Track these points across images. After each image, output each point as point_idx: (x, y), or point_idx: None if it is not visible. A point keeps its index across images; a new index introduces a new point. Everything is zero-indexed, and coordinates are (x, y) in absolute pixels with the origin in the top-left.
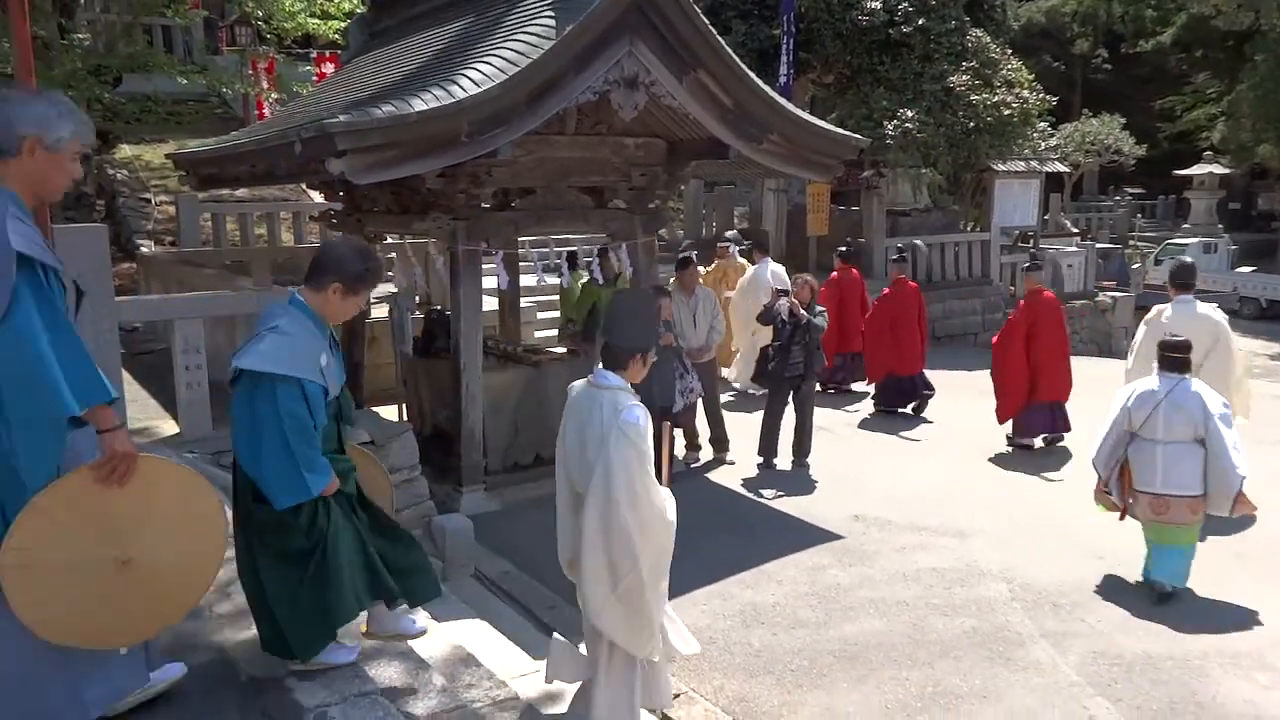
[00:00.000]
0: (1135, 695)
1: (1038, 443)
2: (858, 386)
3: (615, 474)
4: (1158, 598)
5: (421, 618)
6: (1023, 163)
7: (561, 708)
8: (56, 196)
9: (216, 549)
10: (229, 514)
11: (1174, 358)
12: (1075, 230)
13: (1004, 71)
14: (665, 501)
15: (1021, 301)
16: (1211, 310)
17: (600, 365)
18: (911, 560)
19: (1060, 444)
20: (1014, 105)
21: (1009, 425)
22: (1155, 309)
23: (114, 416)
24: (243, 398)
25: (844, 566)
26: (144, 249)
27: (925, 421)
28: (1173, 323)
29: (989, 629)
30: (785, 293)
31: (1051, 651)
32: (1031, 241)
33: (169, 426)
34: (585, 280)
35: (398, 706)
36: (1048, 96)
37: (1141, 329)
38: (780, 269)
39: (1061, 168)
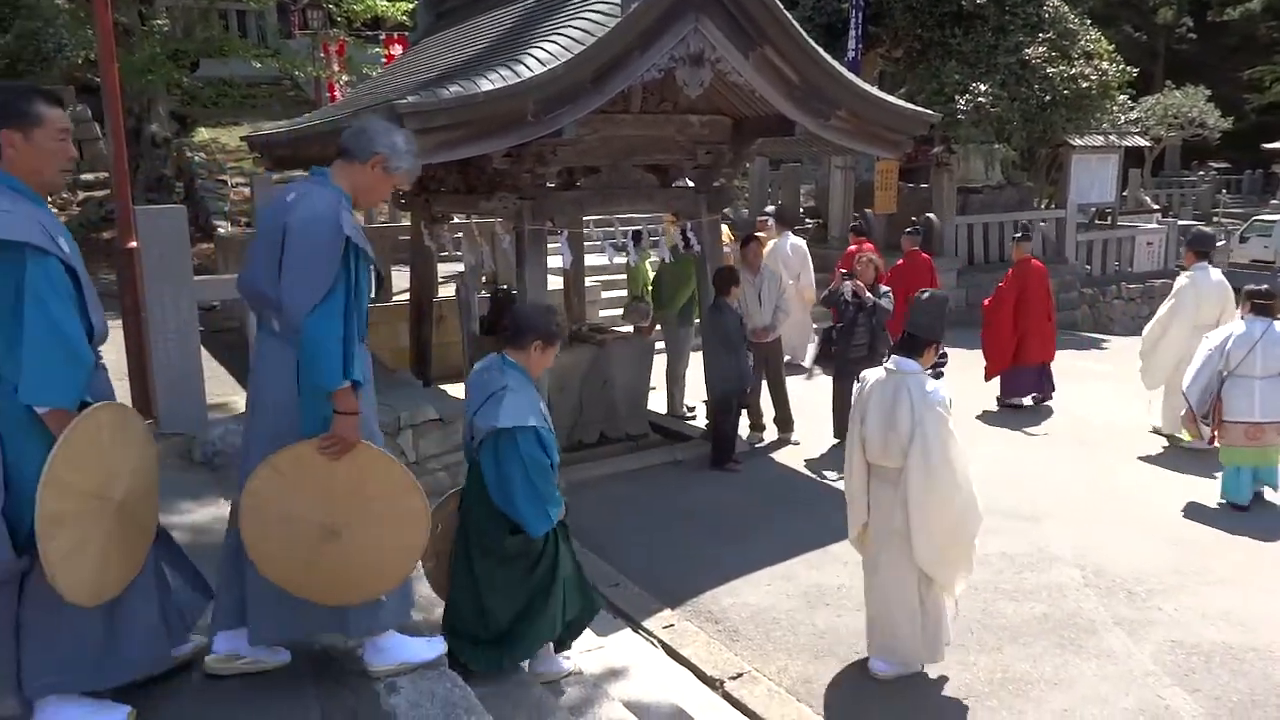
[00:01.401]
0: (1214, 686)
1: (1027, 401)
2: None
3: (931, 444)
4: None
5: None
6: (1101, 137)
7: (624, 683)
8: (368, 207)
9: (416, 546)
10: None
11: (1263, 304)
12: (1156, 207)
13: (1082, 42)
14: (967, 461)
15: (1011, 270)
16: (1221, 276)
17: (898, 353)
18: (981, 543)
19: (1047, 404)
20: (1093, 77)
21: (997, 388)
22: (1180, 278)
23: (352, 401)
24: (489, 449)
25: None
26: (221, 229)
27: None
28: (1200, 288)
29: (1060, 615)
30: (849, 275)
31: (1126, 639)
32: (1109, 218)
33: (244, 402)
34: (672, 262)
35: (464, 678)
36: (1128, 68)
37: (1169, 302)
38: (800, 242)
39: (1142, 142)
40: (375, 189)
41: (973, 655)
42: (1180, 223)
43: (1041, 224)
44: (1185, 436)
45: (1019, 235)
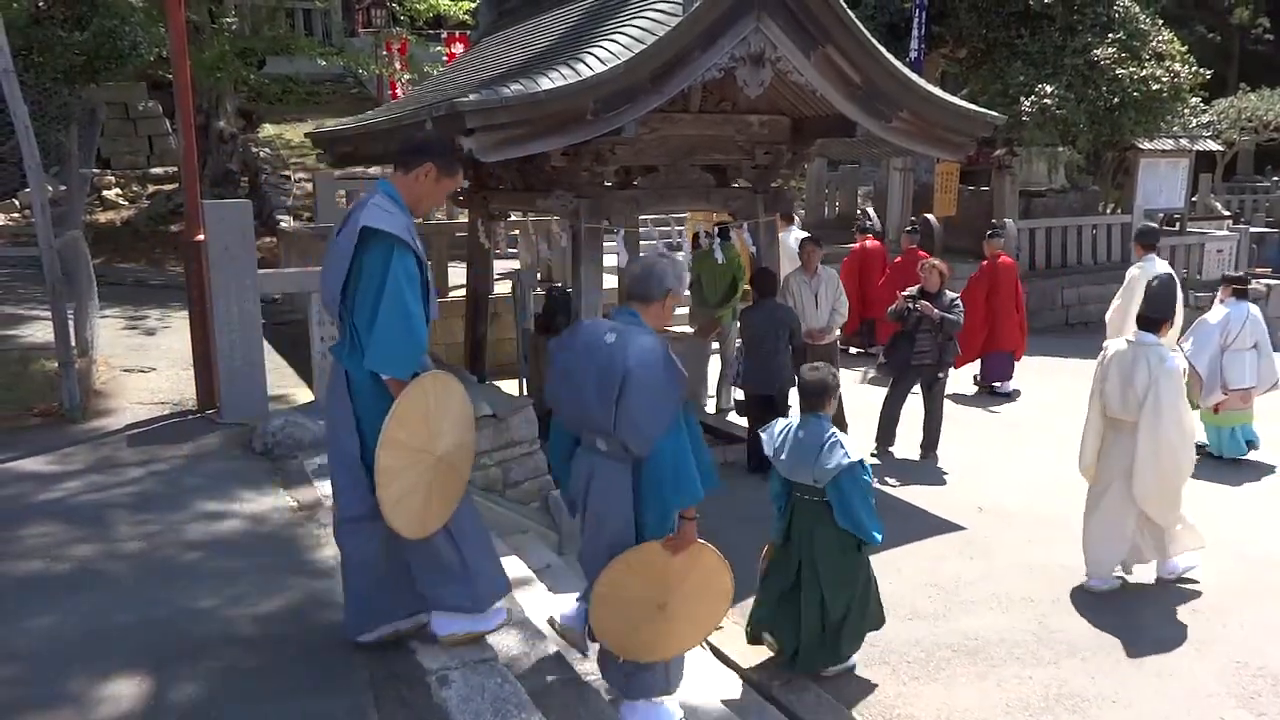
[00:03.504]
0: None
1: (1012, 386)
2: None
3: (1164, 406)
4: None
5: (539, 590)
6: (1171, 140)
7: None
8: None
9: (721, 613)
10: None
11: (1241, 288)
12: (1227, 213)
13: (1154, 43)
14: (1192, 419)
15: (984, 263)
16: (1168, 267)
17: (1139, 329)
18: (1038, 554)
19: (1011, 390)
20: (1164, 79)
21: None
22: (1132, 269)
23: (693, 510)
24: (834, 484)
25: (965, 558)
26: (284, 224)
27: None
28: (1145, 277)
29: (1122, 630)
30: (912, 299)
31: (1189, 658)
32: (1178, 225)
33: (304, 394)
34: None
35: (515, 674)
36: (1201, 70)
37: (1124, 292)
38: (805, 235)
39: (1214, 146)
40: (669, 314)
41: (1028, 669)
42: (1253, 230)
43: (1093, 229)
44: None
45: (989, 233)
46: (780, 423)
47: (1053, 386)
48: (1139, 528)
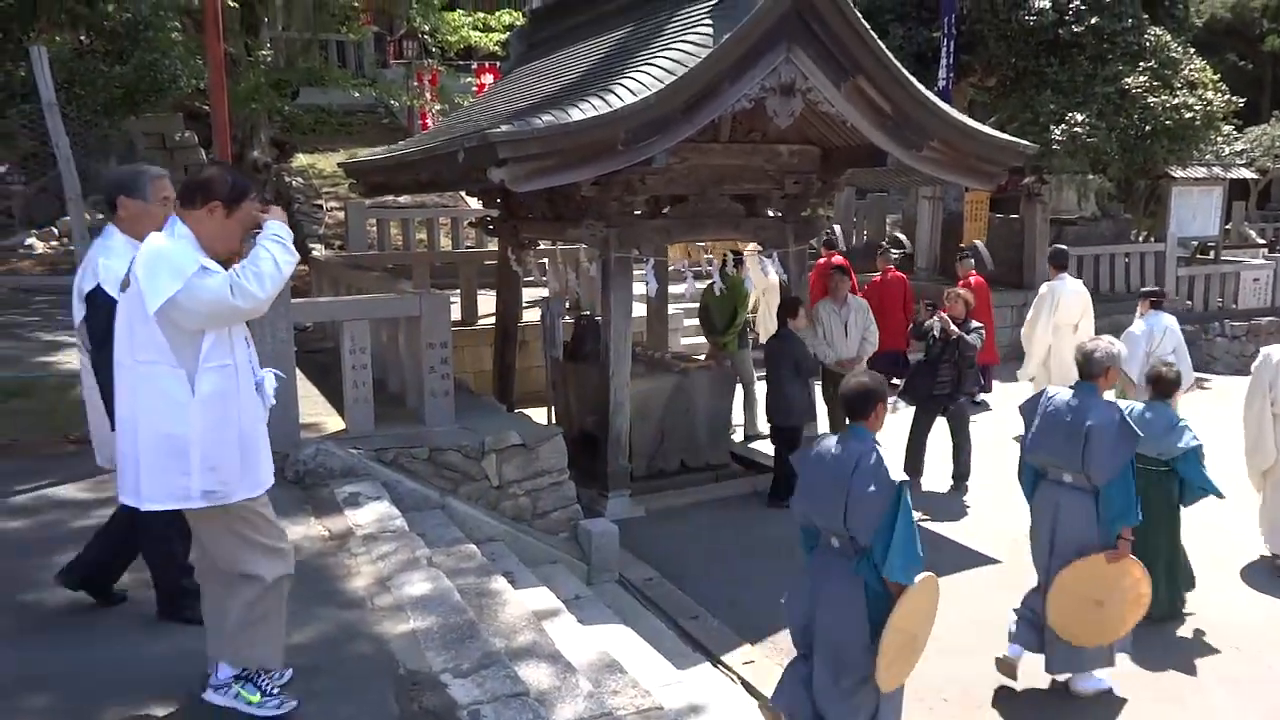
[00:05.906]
0: None
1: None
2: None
3: None
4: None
5: (568, 620)
6: (1204, 169)
7: (701, 719)
8: None
9: (1136, 616)
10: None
11: (1159, 300)
12: (1262, 241)
13: (1185, 72)
14: None
15: (959, 284)
16: (1080, 285)
17: None
18: None
19: (980, 399)
20: (1196, 107)
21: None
22: (1042, 287)
23: (1129, 532)
24: (1182, 462)
25: (1002, 591)
26: (316, 252)
27: None
28: (1056, 294)
29: (1163, 669)
30: (934, 307)
31: (1232, 699)
32: (1212, 253)
33: (335, 423)
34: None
35: (545, 709)
36: (1234, 98)
37: (1032, 310)
38: None
39: (1247, 174)
40: (1114, 380)
41: (1070, 707)
42: None
43: (1125, 258)
44: None
45: (961, 255)
46: (1127, 403)
47: None
48: None
